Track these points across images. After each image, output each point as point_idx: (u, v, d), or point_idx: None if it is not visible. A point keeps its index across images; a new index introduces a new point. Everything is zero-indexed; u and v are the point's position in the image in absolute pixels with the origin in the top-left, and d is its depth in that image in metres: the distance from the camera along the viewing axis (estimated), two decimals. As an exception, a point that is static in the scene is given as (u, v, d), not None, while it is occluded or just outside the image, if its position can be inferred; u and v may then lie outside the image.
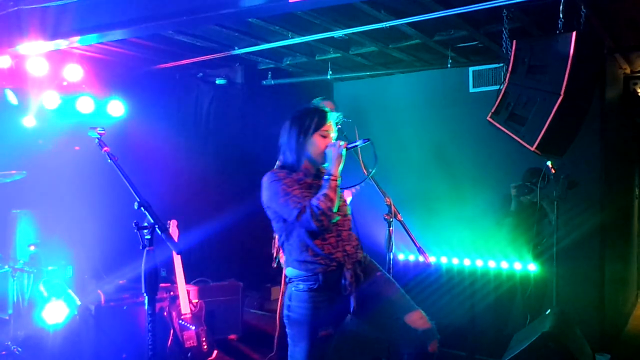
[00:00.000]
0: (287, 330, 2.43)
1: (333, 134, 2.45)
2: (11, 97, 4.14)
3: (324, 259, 2.34)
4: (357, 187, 2.76)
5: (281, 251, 2.49)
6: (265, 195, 2.38)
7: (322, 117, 2.42)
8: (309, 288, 2.35)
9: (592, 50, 3.25)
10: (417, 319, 2.42)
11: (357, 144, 2.43)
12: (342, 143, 2.37)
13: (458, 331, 4.10)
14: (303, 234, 2.33)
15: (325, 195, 2.26)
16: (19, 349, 3.71)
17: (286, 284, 2.48)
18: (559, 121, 3.02)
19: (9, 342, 3.71)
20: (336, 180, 2.31)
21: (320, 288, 2.35)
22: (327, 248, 2.35)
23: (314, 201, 2.25)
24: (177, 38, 4.09)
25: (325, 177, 2.33)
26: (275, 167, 2.50)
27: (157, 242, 2.10)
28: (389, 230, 2.61)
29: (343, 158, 2.35)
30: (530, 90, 3.14)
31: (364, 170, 2.62)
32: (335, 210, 2.28)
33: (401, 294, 2.50)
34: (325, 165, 2.39)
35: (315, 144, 2.39)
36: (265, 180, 2.39)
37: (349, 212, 2.52)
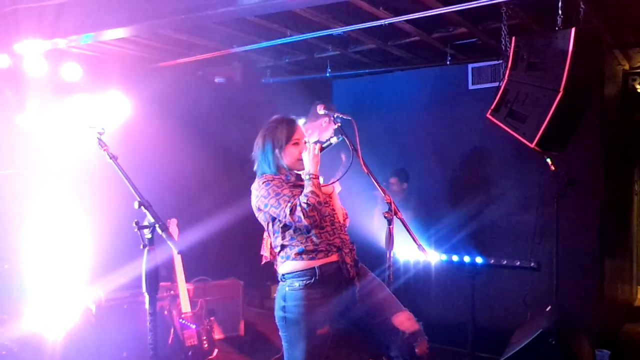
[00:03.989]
0: (282, 333, 2.44)
1: (304, 138, 2.56)
2: (9, 97, 4.13)
3: (324, 245, 2.40)
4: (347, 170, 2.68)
5: (277, 254, 2.52)
6: (256, 198, 2.46)
7: (290, 127, 2.54)
8: (305, 285, 2.37)
9: (591, 47, 3.25)
10: (404, 320, 2.43)
11: (331, 142, 2.52)
12: (316, 146, 2.46)
13: (458, 328, 4.10)
14: (301, 228, 2.38)
15: (312, 192, 2.35)
16: (19, 349, 3.70)
17: (279, 282, 2.49)
18: (558, 118, 3.02)
19: (9, 342, 3.71)
20: (317, 178, 2.40)
21: (317, 283, 2.37)
22: (324, 236, 2.43)
23: (303, 198, 2.33)
24: (176, 36, 4.09)
25: (306, 176, 2.41)
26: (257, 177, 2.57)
27: (158, 241, 2.10)
28: (389, 228, 2.61)
29: (318, 158, 2.44)
30: (530, 87, 3.14)
31: (364, 167, 2.62)
32: (320, 206, 2.34)
33: (390, 296, 2.52)
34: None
35: (291, 153, 2.51)
36: (254, 185, 2.50)
37: (338, 204, 2.61)
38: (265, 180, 2.46)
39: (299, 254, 2.40)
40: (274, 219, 2.43)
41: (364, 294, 2.46)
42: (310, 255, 2.39)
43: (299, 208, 2.30)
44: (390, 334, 2.42)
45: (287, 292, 2.40)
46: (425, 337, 2.44)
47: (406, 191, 4.73)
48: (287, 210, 2.31)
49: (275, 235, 2.46)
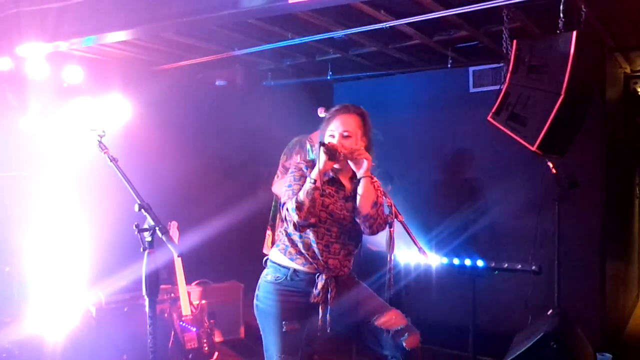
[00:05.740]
0: (257, 320, 2.45)
1: (340, 133, 2.38)
2: (11, 99, 4.14)
3: (305, 258, 2.37)
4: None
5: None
6: None
7: (329, 118, 2.46)
8: (275, 279, 2.38)
9: (593, 50, 3.24)
10: (388, 319, 2.38)
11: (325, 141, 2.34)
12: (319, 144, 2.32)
13: (459, 331, 4.09)
14: (294, 229, 2.35)
15: (297, 197, 2.24)
16: (20, 352, 3.70)
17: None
18: (559, 121, 3.02)
19: (10, 345, 3.70)
20: (312, 184, 2.21)
21: (287, 283, 2.37)
22: (311, 252, 2.38)
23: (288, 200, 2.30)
24: (177, 39, 4.09)
25: (309, 178, 2.27)
26: None
27: (158, 244, 2.10)
28: (390, 231, 2.60)
29: (325, 159, 2.21)
30: (531, 90, 3.14)
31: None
32: (295, 212, 2.20)
33: (377, 303, 2.47)
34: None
35: None
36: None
37: (352, 225, 2.43)
38: (295, 167, 2.42)
39: (285, 248, 2.41)
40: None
41: (351, 308, 2.41)
42: (291, 256, 2.39)
43: (285, 207, 2.29)
44: (374, 336, 2.39)
45: (262, 282, 2.44)
46: (414, 330, 2.38)
47: (391, 192, 4.68)
48: (283, 205, 2.33)
49: (284, 221, 2.43)
